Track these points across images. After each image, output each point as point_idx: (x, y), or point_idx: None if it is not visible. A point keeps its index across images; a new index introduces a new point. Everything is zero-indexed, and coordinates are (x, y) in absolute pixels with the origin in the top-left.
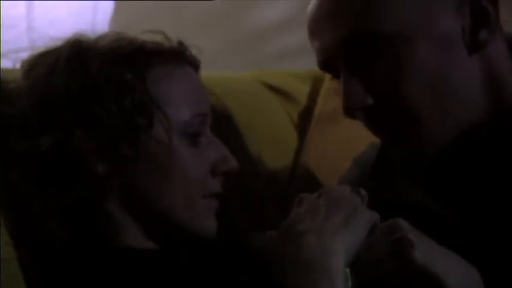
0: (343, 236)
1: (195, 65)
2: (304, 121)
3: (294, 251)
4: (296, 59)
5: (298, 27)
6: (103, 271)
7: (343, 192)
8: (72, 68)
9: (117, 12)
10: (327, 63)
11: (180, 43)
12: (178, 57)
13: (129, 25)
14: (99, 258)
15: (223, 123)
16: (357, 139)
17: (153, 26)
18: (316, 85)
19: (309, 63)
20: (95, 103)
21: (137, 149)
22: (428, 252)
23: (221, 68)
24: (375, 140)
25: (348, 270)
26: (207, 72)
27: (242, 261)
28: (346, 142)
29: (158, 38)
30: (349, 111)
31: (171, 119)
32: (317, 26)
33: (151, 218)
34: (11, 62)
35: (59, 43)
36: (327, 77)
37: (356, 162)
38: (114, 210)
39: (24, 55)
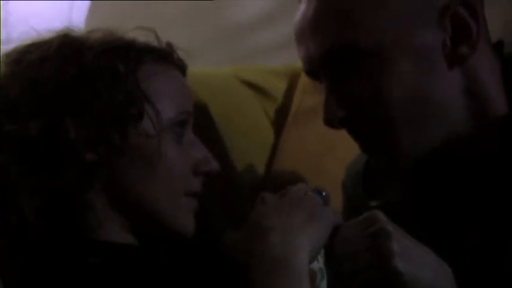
0: (306, 234)
1: (182, 67)
2: (281, 117)
3: (260, 249)
4: (274, 55)
5: (276, 24)
6: (79, 264)
7: (305, 191)
8: (65, 56)
9: (94, 7)
10: (310, 72)
11: (169, 45)
12: (166, 57)
13: (107, 20)
14: (76, 250)
15: (200, 119)
16: (334, 136)
17: (130, 21)
18: (293, 81)
19: (286, 59)
20: (87, 91)
21: (126, 139)
22: (404, 245)
23: (199, 63)
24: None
25: (323, 267)
26: None
27: (216, 260)
28: (322, 139)
29: (148, 36)
30: (328, 122)
31: (160, 112)
32: (301, 36)
33: (133, 211)
34: None
35: (35, 37)
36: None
37: (347, 169)
38: (97, 202)
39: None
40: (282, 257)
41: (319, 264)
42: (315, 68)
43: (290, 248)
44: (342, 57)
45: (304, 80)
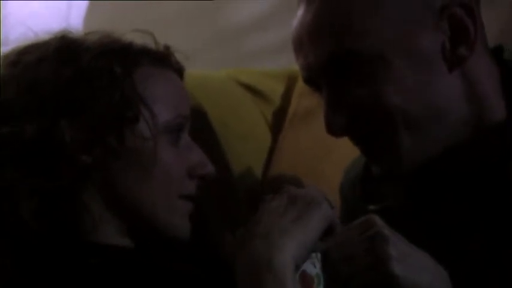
0: (292, 235)
1: (179, 70)
2: (278, 120)
3: (245, 252)
4: (272, 57)
5: (274, 26)
6: (75, 266)
7: (303, 190)
8: (62, 58)
9: (92, 8)
10: (310, 80)
11: (166, 48)
12: (163, 60)
13: (105, 21)
14: (72, 252)
15: (197, 122)
16: (331, 139)
17: (128, 23)
18: (290, 84)
19: (285, 62)
20: (83, 93)
21: (122, 142)
22: (401, 249)
23: (198, 66)
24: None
25: (320, 272)
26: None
27: (212, 263)
28: (319, 142)
29: (146, 38)
30: (330, 130)
31: (156, 115)
32: (299, 43)
33: (129, 214)
34: None
35: (33, 38)
36: None
37: (345, 172)
38: (93, 204)
39: None
40: (263, 259)
41: (316, 269)
42: (313, 76)
43: (272, 249)
44: (341, 64)
45: (301, 83)
